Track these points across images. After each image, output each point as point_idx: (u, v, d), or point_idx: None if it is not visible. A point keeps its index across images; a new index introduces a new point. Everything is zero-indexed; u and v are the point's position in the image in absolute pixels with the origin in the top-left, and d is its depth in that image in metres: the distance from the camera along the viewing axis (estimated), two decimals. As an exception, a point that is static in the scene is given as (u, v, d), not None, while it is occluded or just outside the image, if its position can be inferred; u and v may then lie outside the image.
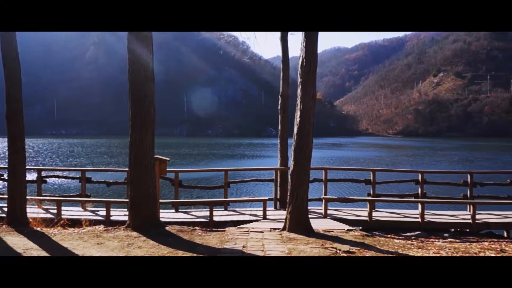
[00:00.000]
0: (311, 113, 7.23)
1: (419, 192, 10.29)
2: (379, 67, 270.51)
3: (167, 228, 7.50)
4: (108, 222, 9.06)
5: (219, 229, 7.90)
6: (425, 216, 9.18)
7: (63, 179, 12.44)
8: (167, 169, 10.68)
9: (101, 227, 7.75)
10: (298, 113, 7.25)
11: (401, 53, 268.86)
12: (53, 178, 12.02)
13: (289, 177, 7.34)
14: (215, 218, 9.28)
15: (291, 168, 7.26)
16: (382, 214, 9.63)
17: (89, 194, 10.84)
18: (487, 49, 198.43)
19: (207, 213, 9.28)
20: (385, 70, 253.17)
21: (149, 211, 7.34)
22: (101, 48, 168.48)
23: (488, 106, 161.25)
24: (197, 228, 7.84)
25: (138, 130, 7.14)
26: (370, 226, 9.03)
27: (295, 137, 7.24)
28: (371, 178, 10.28)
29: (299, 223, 7.21)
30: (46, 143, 67.16)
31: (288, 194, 7.37)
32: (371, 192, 10.28)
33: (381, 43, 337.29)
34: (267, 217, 9.26)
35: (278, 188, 10.38)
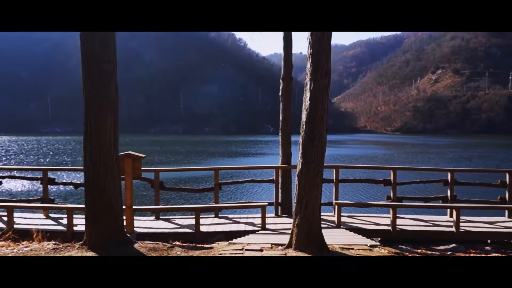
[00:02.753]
0: (325, 94, 5.48)
1: (448, 194, 8.57)
2: (377, 64, 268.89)
3: (136, 245, 5.74)
4: (70, 234, 7.35)
5: (205, 245, 6.15)
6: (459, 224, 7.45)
7: (25, 180, 10.60)
8: (146, 168, 8.99)
9: (51, 244, 5.98)
10: (307, 95, 5.50)
11: (399, 50, 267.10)
12: (13, 179, 10.15)
13: (296, 178, 5.59)
14: (203, 228, 7.54)
15: (299, 166, 5.51)
16: (406, 222, 7.90)
17: (52, 198, 9.07)
18: (486, 46, 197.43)
19: (194, 221, 7.53)
20: (383, 67, 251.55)
21: (111, 224, 5.58)
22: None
23: (487, 103, 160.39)
24: (176, 244, 6.09)
25: (94, 117, 5.37)
26: (394, 237, 7.30)
27: (304, 126, 5.49)
28: (392, 178, 8.53)
29: (309, 239, 5.47)
30: (34, 141, 64.98)
31: (295, 200, 5.62)
32: (391, 195, 8.54)
33: (379, 41, 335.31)
34: (267, 226, 7.52)
35: (280, 190, 8.62)
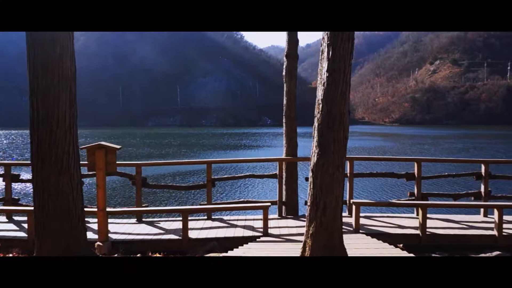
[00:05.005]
0: (348, 64, 4.16)
1: (482, 189, 7.30)
2: (375, 56, 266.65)
3: (102, 262, 4.44)
4: (31, 242, 6.03)
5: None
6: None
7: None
8: (126, 162, 7.68)
9: (-7, 260, 4.68)
10: (324, 66, 4.18)
11: (396, 42, 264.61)
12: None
13: (310, 174, 4.29)
14: (192, 234, 6.25)
15: (314, 159, 4.20)
16: (435, 224, 6.61)
17: (17, 198, 7.75)
18: (484, 37, 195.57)
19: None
20: (381, 58, 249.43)
21: (68, 235, 4.27)
22: (92, 37, 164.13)
23: (485, 94, 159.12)
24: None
25: (41, 96, 4.05)
26: (424, 243, 6.03)
27: (320, 105, 4.17)
28: (415, 171, 7.24)
29: (328, 254, 4.18)
30: (25, 135, 63.26)
31: (308, 202, 4.32)
32: (415, 191, 7.25)
33: (376, 32, 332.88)
34: (270, 231, 6.24)
35: (284, 187, 7.31)
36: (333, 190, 4.12)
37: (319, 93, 4.18)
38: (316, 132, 4.19)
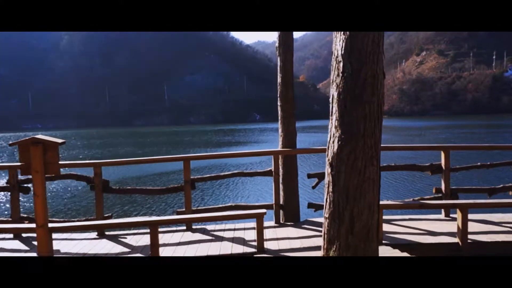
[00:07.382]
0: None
1: (523, 182, 5.96)
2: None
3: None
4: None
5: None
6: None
7: None
8: (80, 162, 6.16)
9: None
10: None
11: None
12: None
13: (327, 169, 2.84)
14: (166, 252, 4.80)
15: (333, 145, 2.76)
16: (473, 227, 5.21)
17: None
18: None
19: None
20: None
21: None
22: (76, 37, 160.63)
23: (472, 84, 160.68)
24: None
25: None
26: (466, 254, 4.66)
27: (341, 62, 2.73)
28: (443, 162, 5.85)
29: None
30: (4, 138, 60.67)
31: (325, 213, 2.88)
32: (443, 187, 5.87)
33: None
34: (266, 245, 4.80)
35: (281, 186, 5.86)
36: (364, 194, 2.69)
37: (338, 46, 2.74)
38: (335, 105, 2.74)
